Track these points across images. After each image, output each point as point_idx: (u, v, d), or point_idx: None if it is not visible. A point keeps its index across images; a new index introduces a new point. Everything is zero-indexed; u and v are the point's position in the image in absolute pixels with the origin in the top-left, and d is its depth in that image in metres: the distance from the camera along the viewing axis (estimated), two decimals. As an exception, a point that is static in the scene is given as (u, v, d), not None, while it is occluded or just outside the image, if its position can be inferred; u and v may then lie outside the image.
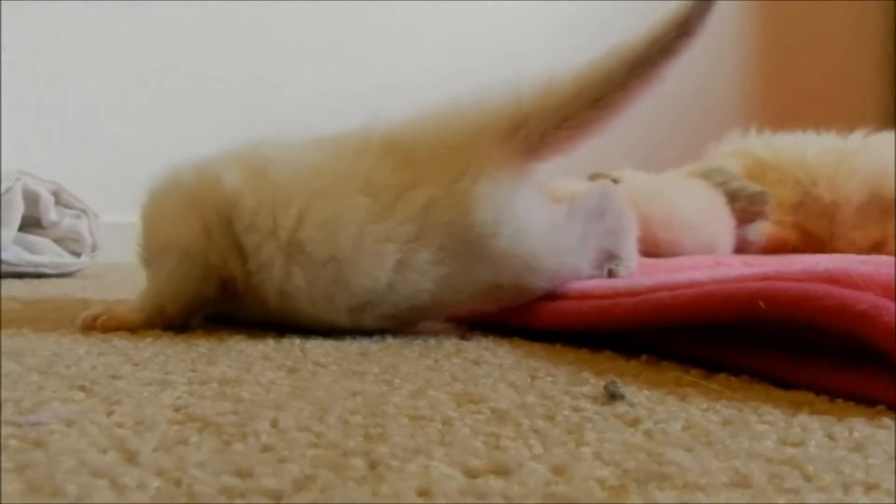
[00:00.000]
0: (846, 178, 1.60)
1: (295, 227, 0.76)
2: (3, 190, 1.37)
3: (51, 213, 1.48)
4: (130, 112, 2.07)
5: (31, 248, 1.44)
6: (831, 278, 0.57)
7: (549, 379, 0.59)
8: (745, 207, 1.46)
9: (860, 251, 1.47)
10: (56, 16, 2.00)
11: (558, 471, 0.38)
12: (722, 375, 0.59)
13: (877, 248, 1.49)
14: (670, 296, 0.66)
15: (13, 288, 1.28)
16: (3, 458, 0.39)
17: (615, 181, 1.38)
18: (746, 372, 0.60)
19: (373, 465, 0.38)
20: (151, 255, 0.83)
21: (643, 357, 0.66)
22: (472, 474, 0.38)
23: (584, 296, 0.76)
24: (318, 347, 0.72)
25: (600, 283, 0.78)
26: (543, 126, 0.75)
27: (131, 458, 0.39)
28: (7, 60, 1.93)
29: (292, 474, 0.37)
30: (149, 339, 0.75)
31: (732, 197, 1.47)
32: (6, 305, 0.99)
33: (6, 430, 0.44)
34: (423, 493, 0.35)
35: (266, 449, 0.41)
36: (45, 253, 1.47)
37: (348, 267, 0.75)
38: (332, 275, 0.75)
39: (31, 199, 1.45)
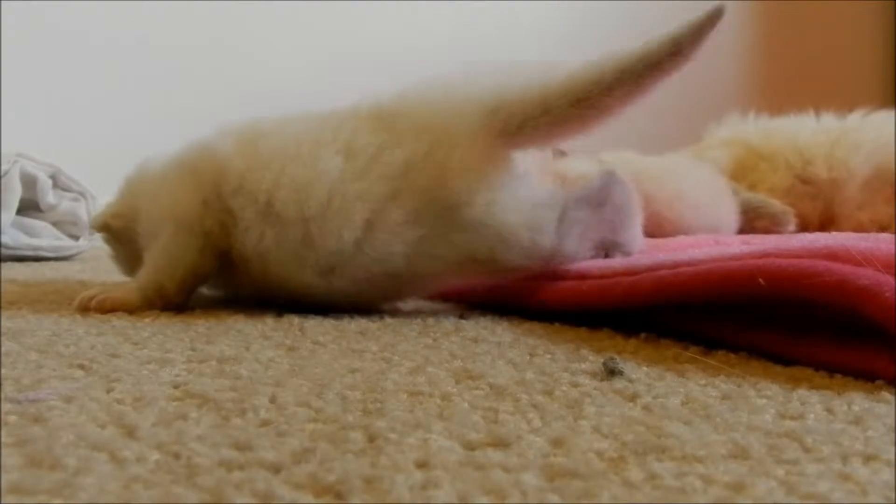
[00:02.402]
0: (848, 153, 1.58)
1: (270, 190, 0.77)
2: (1, 173, 1.36)
3: (49, 196, 1.47)
4: (128, 93, 2.07)
5: (29, 232, 1.44)
6: (831, 254, 0.57)
7: (548, 356, 0.59)
8: (768, 226, 1.46)
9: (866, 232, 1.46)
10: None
11: (557, 443, 0.38)
12: (721, 352, 0.59)
13: (883, 228, 1.48)
14: (670, 273, 0.66)
15: (12, 271, 1.28)
16: (4, 433, 0.39)
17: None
18: (745, 349, 0.60)
19: (371, 439, 0.38)
20: (148, 234, 0.83)
21: (642, 335, 0.66)
22: (470, 447, 0.38)
23: (582, 276, 0.76)
24: (317, 326, 0.72)
25: (598, 263, 0.78)
26: (524, 114, 0.75)
27: (130, 432, 0.39)
28: (6, 42, 1.93)
29: (291, 447, 0.37)
30: (147, 320, 0.75)
31: (755, 213, 1.47)
32: (6, 288, 0.99)
33: (6, 406, 0.44)
34: (421, 464, 0.35)
35: (264, 423, 0.41)
36: (44, 236, 1.46)
37: (314, 226, 0.76)
38: (300, 234, 0.76)
39: (29, 182, 1.45)
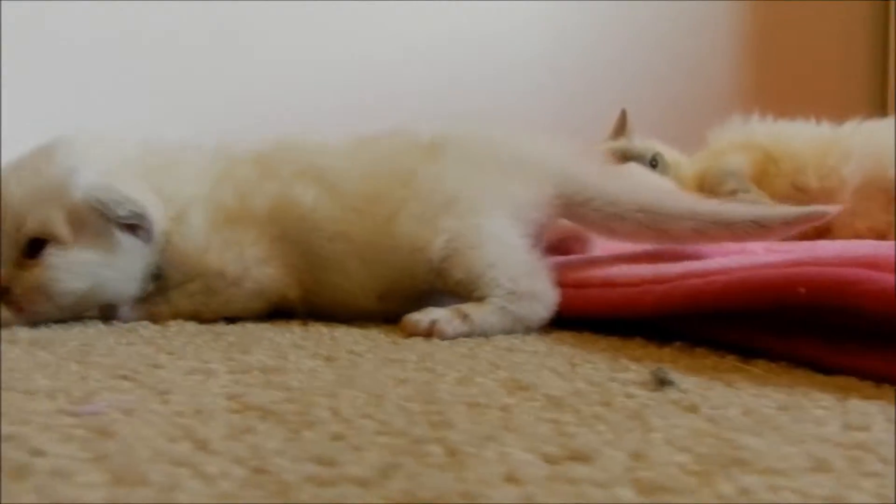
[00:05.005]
0: (839, 162, 1.59)
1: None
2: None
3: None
4: (148, 104, 2.05)
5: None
6: (871, 263, 0.58)
7: (589, 366, 0.59)
8: None
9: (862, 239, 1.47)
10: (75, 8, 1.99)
11: (637, 456, 0.38)
12: (761, 361, 0.60)
13: (881, 236, 1.49)
14: (703, 282, 0.66)
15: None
16: (75, 447, 0.38)
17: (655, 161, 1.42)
18: (780, 356, 0.60)
19: (451, 453, 0.38)
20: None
21: (676, 343, 0.66)
22: (550, 460, 0.38)
23: (609, 283, 0.76)
24: (346, 336, 0.71)
25: (625, 270, 0.78)
26: (593, 193, 0.82)
27: (203, 446, 0.39)
28: (6, 44, 1.91)
29: (371, 461, 0.37)
30: (174, 329, 0.74)
31: None
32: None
33: (67, 419, 0.43)
34: (509, 479, 0.35)
35: (336, 437, 0.41)
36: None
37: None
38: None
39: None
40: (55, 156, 0.75)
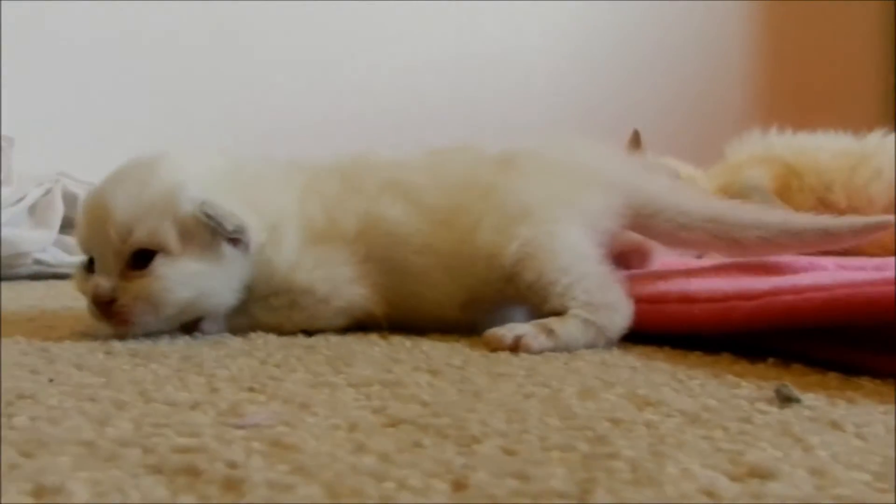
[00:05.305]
0: (868, 181, 1.61)
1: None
2: (43, 192, 1.35)
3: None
4: (166, 114, 2.05)
5: (69, 250, 1.42)
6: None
7: (696, 382, 0.60)
8: None
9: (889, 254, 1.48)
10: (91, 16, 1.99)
11: (817, 473, 0.39)
12: (864, 378, 0.60)
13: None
14: (800, 299, 0.67)
15: (66, 291, 1.26)
16: (268, 460, 0.39)
17: None
18: (869, 372, 0.61)
19: (633, 468, 0.39)
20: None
21: (769, 360, 0.67)
22: (735, 478, 0.38)
23: (687, 299, 0.77)
24: (433, 349, 0.72)
25: (704, 286, 0.79)
26: (662, 206, 0.84)
27: (387, 458, 0.39)
28: (47, 62, 1.91)
29: (563, 476, 0.37)
30: (259, 341, 0.74)
31: None
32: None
33: (235, 432, 0.43)
34: (709, 493, 0.36)
35: (509, 452, 0.41)
36: (83, 253, 1.45)
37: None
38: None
39: (70, 200, 1.44)
40: (159, 170, 0.76)
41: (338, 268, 0.79)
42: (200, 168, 0.78)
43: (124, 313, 0.73)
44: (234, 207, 0.74)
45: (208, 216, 0.73)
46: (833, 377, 0.61)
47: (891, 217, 0.89)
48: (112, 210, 0.73)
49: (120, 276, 0.73)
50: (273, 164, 0.83)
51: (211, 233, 0.74)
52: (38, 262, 1.43)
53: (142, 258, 0.73)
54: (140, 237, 0.73)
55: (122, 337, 0.74)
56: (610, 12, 2.51)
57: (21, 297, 1.17)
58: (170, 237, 0.73)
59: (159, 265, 0.73)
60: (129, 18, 2.08)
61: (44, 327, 0.84)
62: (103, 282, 0.73)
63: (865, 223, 0.86)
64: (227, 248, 0.75)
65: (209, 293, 0.75)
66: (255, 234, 0.75)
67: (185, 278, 0.73)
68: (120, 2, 2.07)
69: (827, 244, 0.86)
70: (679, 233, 0.85)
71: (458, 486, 0.36)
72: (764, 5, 2.63)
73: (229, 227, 0.73)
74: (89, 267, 0.77)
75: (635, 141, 1.71)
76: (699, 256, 1.45)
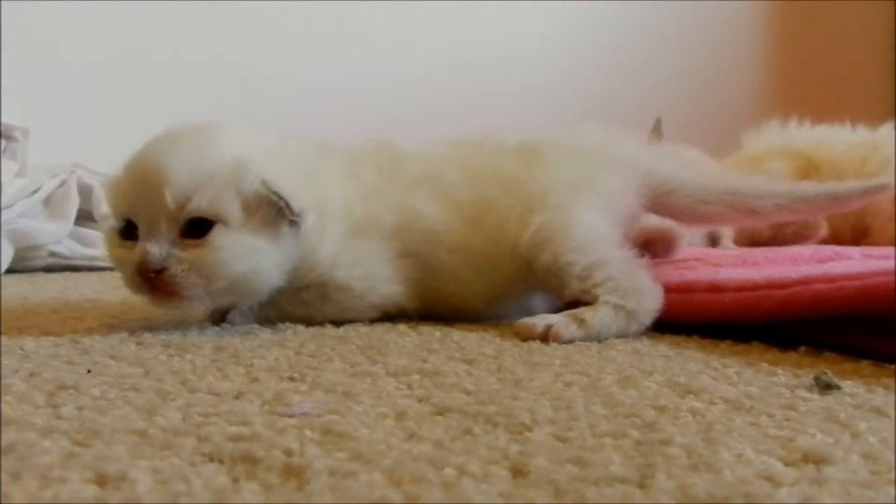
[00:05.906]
0: (879, 169, 1.61)
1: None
2: (58, 183, 1.35)
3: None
4: (182, 105, 2.05)
5: (84, 242, 1.42)
6: None
7: (733, 370, 0.60)
8: (797, 231, 1.49)
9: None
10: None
11: (870, 458, 0.39)
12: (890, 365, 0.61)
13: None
14: (833, 287, 0.67)
15: (85, 282, 1.26)
16: (324, 448, 0.39)
17: None
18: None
19: (689, 454, 0.39)
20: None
21: (801, 348, 0.67)
22: (788, 463, 0.38)
23: (716, 288, 0.77)
24: (464, 339, 0.72)
25: (732, 276, 0.79)
26: (678, 184, 0.86)
27: (441, 446, 0.40)
28: (65, 55, 1.92)
29: (619, 462, 0.37)
30: (290, 332, 0.75)
31: None
32: (107, 303, 0.99)
33: (286, 421, 0.44)
34: (767, 478, 0.36)
35: (561, 439, 0.41)
36: (98, 246, 1.45)
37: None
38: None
39: (85, 192, 1.43)
40: (219, 139, 0.74)
41: (375, 265, 0.79)
42: (255, 143, 0.75)
43: (174, 284, 0.70)
44: (289, 187, 0.72)
45: (278, 195, 0.71)
46: (866, 365, 0.61)
47: (889, 180, 0.91)
48: (170, 174, 0.70)
49: (171, 244, 0.70)
50: (313, 145, 0.82)
51: (275, 211, 0.72)
52: (52, 254, 1.43)
53: (197, 227, 0.70)
54: (200, 205, 0.70)
55: (163, 312, 0.73)
56: (619, 7, 2.50)
57: (40, 290, 1.18)
58: (233, 209, 0.70)
59: (218, 235, 0.70)
60: (147, 10, 2.09)
61: (70, 318, 0.84)
62: (154, 248, 0.69)
63: (867, 186, 0.91)
64: (286, 228, 0.73)
65: (261, 271, 0.73)
66: (308, 217, 0.74)
67: (244, 252, 0.71)
68: (121, 2, 2.06)
69: (836, 207, 0.92)
70: (698, 207, 0.87)
71: (518, 472, 0.36)
72: (775, 4, 2.63)
73: (296, 208, 0.72)
74: (125, 234, 0.73)
75: (657, 129, 1.72)
76: (711, 244, 1.45)
